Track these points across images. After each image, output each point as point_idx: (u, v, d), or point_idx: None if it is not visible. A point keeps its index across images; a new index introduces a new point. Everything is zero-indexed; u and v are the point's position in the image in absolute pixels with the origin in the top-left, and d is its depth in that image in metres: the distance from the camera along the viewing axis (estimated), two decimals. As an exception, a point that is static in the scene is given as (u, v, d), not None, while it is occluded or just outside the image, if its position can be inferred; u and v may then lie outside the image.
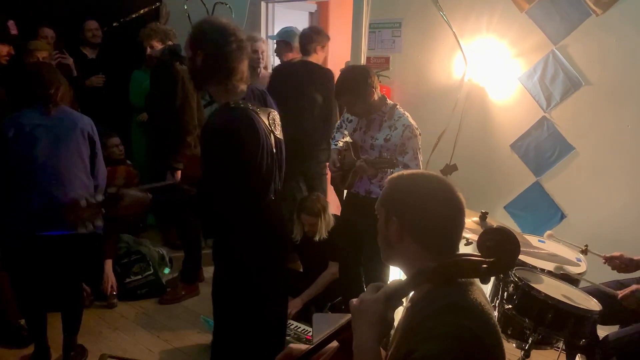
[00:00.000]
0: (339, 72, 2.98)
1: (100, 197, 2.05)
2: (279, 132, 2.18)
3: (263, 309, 2.22)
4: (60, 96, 2.73)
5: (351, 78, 2.81)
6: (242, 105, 2.03)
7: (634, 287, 2.37)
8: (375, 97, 2.84)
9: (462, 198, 1.30)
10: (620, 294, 2.37)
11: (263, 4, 4.83)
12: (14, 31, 4.10)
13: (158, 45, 3.75)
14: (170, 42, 3.75)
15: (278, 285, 2.29)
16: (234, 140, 1.96)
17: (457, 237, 1.31)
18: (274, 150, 2.12)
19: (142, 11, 5.26)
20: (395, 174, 1.39)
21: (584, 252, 2.69)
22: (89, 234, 2.78)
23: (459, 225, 1.30)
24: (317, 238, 3.44)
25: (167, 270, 3.96)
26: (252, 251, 2.13)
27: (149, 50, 3.90)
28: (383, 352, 1.29)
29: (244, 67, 2.09)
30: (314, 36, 3.94)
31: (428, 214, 1.27)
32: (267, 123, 2.10)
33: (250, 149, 1.99)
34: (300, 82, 3.83)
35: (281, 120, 2.22)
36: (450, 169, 3.81)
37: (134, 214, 2.13)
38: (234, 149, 1.96)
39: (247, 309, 2.17)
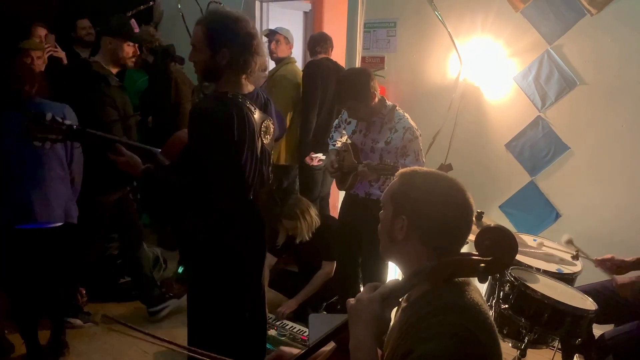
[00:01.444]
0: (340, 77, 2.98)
1: (68, 122, 2.02)
2: (267, 142, 2.17)
3: (236, 306, 2.21)
4: (36, 91, 2.70)
5: (354, 83, 2.79)
6: (239, 99, 2.02)
7: (634, 277, 2.36)
8: (376, 99, 2.83)
9: (472, 202, 1.28)
10: (620, 280, 2.37)
11: (257, 4, 4.81)
12: (136, 30, 4.08)
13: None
14: (147, 46, 3.70)
15: (252, 281, 2.28)
16: (221, 127, 1.94)
17: (464, 240, 1.29)
18: (259, 155, 2.12)
19: (135, 10, 5.23)
20: (408, 169, 1.35)
21: (575, 257, 2.70)
22: (64, 226, 2.79)
23: (468, 229, 1.29)
24: (297, 240, 3.44)
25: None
26: (222, 246, 2.14)
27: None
28: (379, 351, 1.29)
29: (256, 62, 2.09)
30: (327, 37, 4.16)
31: (441, 219, 1.25)
32: (258, 127, 2.08)
33: (235, 140, 1.97)
34: None
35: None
36: (445, 168, 3.79)
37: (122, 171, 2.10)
38: (220, 136, 1.94)
39: (219, 304, 2.17)
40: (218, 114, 1.95)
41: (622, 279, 2.38)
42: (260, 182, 2.18)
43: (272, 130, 2.19)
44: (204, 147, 1.97)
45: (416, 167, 1.37)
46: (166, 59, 3.60)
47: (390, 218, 1.30)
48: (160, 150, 2.25)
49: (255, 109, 2.07)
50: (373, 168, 2.67)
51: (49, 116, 1.99)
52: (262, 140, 2.12)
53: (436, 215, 1.25)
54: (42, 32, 4.30)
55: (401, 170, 1.36)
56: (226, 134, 1.95)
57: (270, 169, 2.26)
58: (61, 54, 4.35)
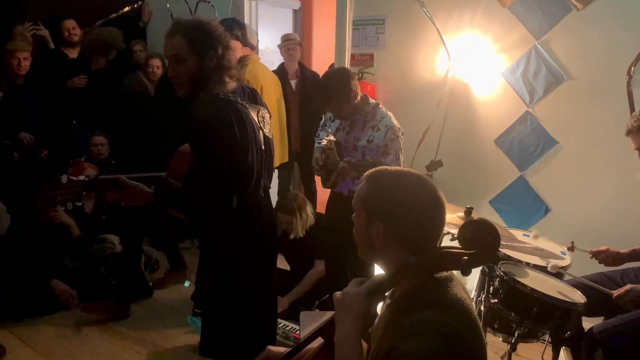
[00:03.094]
0: (320, 78, 2.96)
1: (82, 177, 2.00)
2: (267, 131, 2.15)
3: (249, 309, 2.19)
4: None
5: (335, 84, 2.78)
6: (231, 98, 2.00)
7: (628, 286, 2.37)
8: (359, 97, 2.83)
9: (443, 197, 1.28)
10: (615, 293, 2.38)
11: (246, 2, 4.80)
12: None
13: (101, 60, 3.61)
14: (114, 52, 3.63)
15: (265, 285, 2.27)
16: (223, 130, 1.91)
17: (439, 236, 1.30)
18: (263, 147, 2.10)
19: (125, 10, 5.21)
20: (375, 171, 1.33)
21: (571, 249, 2.71)
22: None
23: (442, 225, 1.29)
24: (292, 236, 3.44)
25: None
26: (240, 249, 2.11)
27: (93, 65, 3.72)
28: (365, 345, 1.29)
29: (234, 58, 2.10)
30: None
31: (415, 220, 1.24)
32: (256, 120, 2.07)
33: (239, 140, 1.95)
34: None
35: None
36: (435, 164, 3.82)
37: (133, 205, 2.08)
38: (223, 139, 1.91)
39: (233, 307, 2.15)
40: (217, 118, 1.92)
41: (617, 292, 2.39)
42: (268, 175, 2.18)
43: (268, 117, 2.17)
44: (210, 154, 1.93)
45: (382, 168, 1.35)
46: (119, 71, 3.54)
47: (365, 224, 1.29)
48: (166, 173, 2.21)
49: (247, 103, 2.06)
50: (353, 165, 2.68)
51: (64, 179, 1.95)
52: (262, 131, 2.11)
53: (410, 216, 1.24)
54: (20, 29, 4.29)
55: (367, 173, 1.33)
56: (230, 137, 1.92)
57: (272, 159, 2.23)
58: (44, 32, 4.34)
